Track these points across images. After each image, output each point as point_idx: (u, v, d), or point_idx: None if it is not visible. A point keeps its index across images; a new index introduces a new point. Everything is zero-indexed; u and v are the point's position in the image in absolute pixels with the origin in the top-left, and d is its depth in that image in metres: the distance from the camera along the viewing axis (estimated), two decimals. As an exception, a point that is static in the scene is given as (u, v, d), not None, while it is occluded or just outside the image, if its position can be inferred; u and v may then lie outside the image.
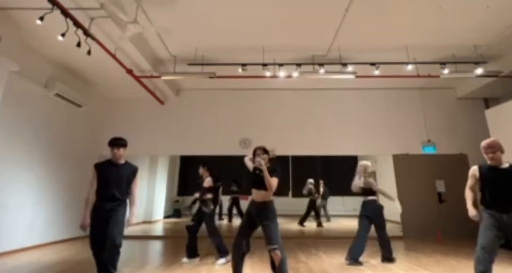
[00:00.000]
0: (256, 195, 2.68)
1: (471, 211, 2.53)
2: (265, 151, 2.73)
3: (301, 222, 8.21)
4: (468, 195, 2.58)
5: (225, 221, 9.22)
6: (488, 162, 2.45)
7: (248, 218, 2.68)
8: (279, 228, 2.63)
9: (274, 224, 2.57)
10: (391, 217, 7.29)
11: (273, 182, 2.56)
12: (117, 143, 2.81)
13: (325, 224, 8.53)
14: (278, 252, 2.46)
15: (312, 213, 8.57)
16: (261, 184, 2.59)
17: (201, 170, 4.49)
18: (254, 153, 2.73)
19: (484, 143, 2.46)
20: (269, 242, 2.49)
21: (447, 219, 5.92)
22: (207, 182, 4.29)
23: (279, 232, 2.59)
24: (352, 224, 8.93)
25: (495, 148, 2.39)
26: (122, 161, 2.87)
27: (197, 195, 4.26)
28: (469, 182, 2.59)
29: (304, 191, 8.59)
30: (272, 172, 2.59)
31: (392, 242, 3.95)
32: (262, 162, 2.55)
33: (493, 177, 2.41)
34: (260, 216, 2.61)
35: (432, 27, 4.62)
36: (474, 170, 2.55)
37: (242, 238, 2.63)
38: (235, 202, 9.05)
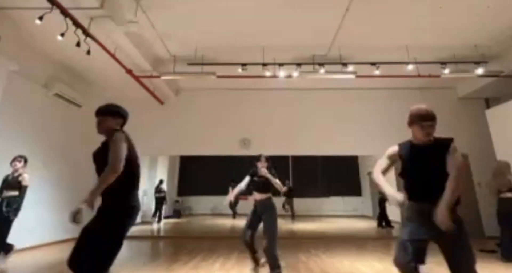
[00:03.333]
0: (259, 196, 3.23)
1: (392, 192, 1.79)
2: (267, 159, 3.28)
3: (381, 224, 7.85)
4: (381, 178, 1.90)
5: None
6: (419, 135, 1.76)
7: (254, 214, 3.23)
8: (277, 225, 3.11)
9: (272, 218, 3.10)
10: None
11: (279, 182, 3.16)
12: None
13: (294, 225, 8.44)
14: (264, 241, 2.99)
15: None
16: (262, 188, 3.19)
17: (18, 165, 3.76)
18: (258, 160, 3.27)
19: (422, 109, 1.77)
20: (264, 232, 3.05)
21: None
22: (24, 179, 3.73)
23: (276, 227, 3.08)
24: (352, 224, 8.94)
25: (436, 121, 1.75)
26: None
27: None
28: (384, 163, 1.93)
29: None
30: (273, 175, 3.16)
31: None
32: (265, 170, 3.15)
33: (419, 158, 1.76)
34: (264, 211, 3.16)
35: (433, 27, 4.61)
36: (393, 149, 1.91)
37: (247, 228, 3.19)
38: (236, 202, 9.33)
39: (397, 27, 4.62)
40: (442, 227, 1.54)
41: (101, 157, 1.81)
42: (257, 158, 3.31)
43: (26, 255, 4.28)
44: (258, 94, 7.04)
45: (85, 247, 1.67)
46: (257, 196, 3.24)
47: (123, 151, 1.81)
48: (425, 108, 1.78)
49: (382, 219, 7.78)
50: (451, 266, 1.63)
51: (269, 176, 3.11)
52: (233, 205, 9.71)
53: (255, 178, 3.26)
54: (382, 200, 7.67)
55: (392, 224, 7.63)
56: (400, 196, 1.73)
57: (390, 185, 1.84)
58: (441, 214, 1.55)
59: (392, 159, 1.91)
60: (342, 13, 4.21)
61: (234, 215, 10.22)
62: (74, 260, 1.65)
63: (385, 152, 1.91)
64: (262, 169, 3.17)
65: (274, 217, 3.13)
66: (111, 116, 2.00)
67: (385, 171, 1.92)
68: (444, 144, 1.74)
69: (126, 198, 1.82)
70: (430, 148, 1.75)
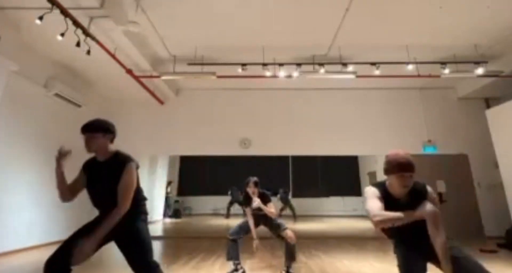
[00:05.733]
0: (260, 213, 3.20)
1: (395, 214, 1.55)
2: (256, 184, 3.18)
3: None
4: (380, 213, 1.59)
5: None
6: (396, 186, 1.64)
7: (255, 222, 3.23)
8: None
9: (275, 219, 3.16)
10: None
11: (272, 209, 3.09)
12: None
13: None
14: (289, 231, 3.00)
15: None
16: (263, 221, 3.21)
17: None
18: (247, 185, 3.18)
19: (402, 157, 1.61)
20: (279, 226, 3.05)
21: (448, 219, 5.89)
22: None
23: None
24: (352, 224, 8.93)
25: (414, 169, 1.60)
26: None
27: None
28: (377, 202, 1.66)
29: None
30: (265, 202, 3.11)
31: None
32: (258, 200, 3.08)
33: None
34: (266, 221, 3.21)
35: (433, 27, 4.61)
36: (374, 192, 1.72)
37: (242, 230, 3.15)
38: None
39: (397, 27, 4.62)
40: None
41: (105, 180, 1.77)
42: (246, 183, 3.21)
43: (26, 255, 4.28)
44: (258, 94, 7.05)
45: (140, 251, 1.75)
46: (259, 213, 3.23)
47: (134, 187, 1.80)
48: (404, 156, 1.61)
49: None
50: None
51: (262, 206, 3.08)
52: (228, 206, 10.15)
53: (254, 211, 3.20)
54: None
55: None
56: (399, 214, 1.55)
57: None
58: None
59: (380, 200, 1.68)
60: (342, 13, 4.21)
61: (228, 215, 10.28)
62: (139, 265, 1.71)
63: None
64: (255, 200, 3.10)
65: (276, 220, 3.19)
66: (102, 133, 1.84)
67: (381, 208, 1.64)
68: (420, 193, 1.66)
69: (138, 217, 1.86)
70: (406, 199, 1.66)
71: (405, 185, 1.60)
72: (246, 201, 3.26)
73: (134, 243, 1.73)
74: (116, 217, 1.66)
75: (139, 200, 1.87)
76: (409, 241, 1.71)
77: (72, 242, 1.65)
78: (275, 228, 3.10)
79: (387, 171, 1.67)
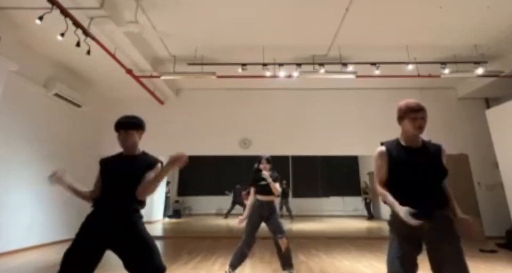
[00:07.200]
0: (265, 198, 3.19)
1: (402, 209, 1.44)
2: (268, 161, 3.22)
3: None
4: (383, 191, 1.59)
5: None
6: (410, 129, 1.62)
7: (258, 217, 3.15)
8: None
9: (277, 216, 3.17)
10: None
11: (278, 187, 3.15)
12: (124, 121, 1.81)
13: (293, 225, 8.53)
14: (285, 240, 3.00)
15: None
16: (267, 191, 3.16)
17: None
18: (259, 162, 3.23)
19: (411, 102, 1.65)
20: (277, 231, 3.03)
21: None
22: None
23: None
24: (353, 224, 8.93)
25: (425, 111, 1.62)
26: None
27: None
28: (379, 171, 1.65)
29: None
30: (275, 180, 3.15)
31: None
32: (267, 174, 3.11)
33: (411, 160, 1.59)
34: (270, 213, 3.16)
35: (433, 27, 4.61)
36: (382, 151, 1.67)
37: (253, 236, 3.09)
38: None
39: (397, 27, 4.62)
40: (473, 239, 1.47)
41: (135, 169, 1.72)
42: (258, 161, 3.24)
43: (25, 255, 4.28)
44: (258, 94, 7.04)
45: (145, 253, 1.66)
46: (263, 197, 3.20)
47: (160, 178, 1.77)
48: (414, 100, 1.67)
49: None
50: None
51: (269, 180, 3.09)
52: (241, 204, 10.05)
53: (261, 182, 3.18)
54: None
55: None
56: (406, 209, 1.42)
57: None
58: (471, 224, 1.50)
59: (384, 161, 1.65)
60: (342, 13, 4.21)
61: (227, 215, 10.28)
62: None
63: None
64: (264, 172, 3.13)
65: (278, 217, 3.20)
66: (137, 129, 1.82)
67: (384, 178, 1.62)
68: (435, 147, 1.67)
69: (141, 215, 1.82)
70: (423, 149, 1.63)
71: (419, 126, 1.60)
72: (255, 175, 3.22)
73: (142, 247, 1.61)
74: (161, 180, 1.69)
75: (143, 203, 1.79)
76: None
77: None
78: (275, 227, 3.07)
79: (400, 117, 1.70)
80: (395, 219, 1.57)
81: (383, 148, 1.70)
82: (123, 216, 1.64)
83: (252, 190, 3.24)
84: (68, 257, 1.51)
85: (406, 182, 1.56)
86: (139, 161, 1.78)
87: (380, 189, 1.60)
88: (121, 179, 1.68)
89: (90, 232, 1.58)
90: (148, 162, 1.77)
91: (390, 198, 1.52)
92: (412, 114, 1.61)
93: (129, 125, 1.78)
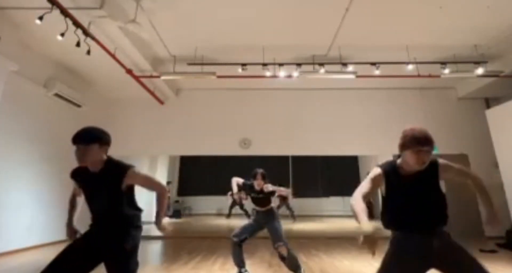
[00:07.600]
0: (261, 209, 3.25)
1: (367, 224, 1.36)
2: (263, 176, 3.23)
3: None
4: (360, 204, 1.49)
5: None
6: (412, 162, 1.48)
7: (256, 223, 3.22)
8: (282, 228, 3.13)
9: (277, 224, 3.12)
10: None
11: (283, 190, 3.27)
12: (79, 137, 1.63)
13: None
14: (282, 248, 2.96)
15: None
16: (263, 203, 3.21)
17: None
18: (255, 177, 3.23)
19: (419, 132, 1.49)
20: (276, 240, 3.01)
21: (448, 220, 5.91)
22: None
23: (282, 231, 3.10)
24: (352, 224, 8.92)
25: (432, 144, 1.46)
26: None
27: None
28: (367, 187, 1.59)
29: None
30: (271, 193, 3.19)
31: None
32: (270, 185, 3.17)
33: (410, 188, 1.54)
34: (267, 221, 3.17)
35: (433, 27, 4.60)
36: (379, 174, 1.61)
37: (245, 231, 3.13)
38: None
39: (397, 27, 4.62)
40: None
41: (104, 194, 1.63)
42: (253, 176, 3.23)
43: (25, 255, 4.28)
44: (258, 94, 7.04)
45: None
46: (257, 208, 3.27)
47: (151, 176, 1.78)
48: (422, 130, 1.50)
49: None
50: None
51: (275, 188, 3.15)
52: (240, 205, 9.95)
53: (254, 195, 3.24)
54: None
55: None
56: (371, 226, 1.33)
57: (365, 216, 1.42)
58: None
59: (376, 184, 1.59)
60: (342, 13, 4.21)
61: (229, 215, 10.29)
62: None
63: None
64: (265, 186, 3.16)
65: (278, 222, 3.16)
66: (98, 143, 1.61)
67: (367, 196, 1.56)
68: (430, 170, 1.53)
69: (138, 222, 1.78)
70: (415, 177, 1.52)
71: (422, 162, 1.44)
72: (248, 189, 3.31)
73: (121, 268, 1.61)
74: (166, 195, 1.76)
75: (136, 209, 1.73)
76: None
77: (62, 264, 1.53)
78: (272, 235, 3.06)
79: (402, 146, 1.53)
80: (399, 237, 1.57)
81: (379, 170, 1.60)
82: (114, 235, 1.63)
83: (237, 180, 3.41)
84: (57, 260, 1.54)
85: (403, 208, 1.55)
86: (105, 178, 1.62)
87: (359, 199, 1.50)
88: (98, 198, 1.65)
89: (82, 245, 1.63)
90: (116, 175, 1.62)
91: (359, 208, 1.43)
92: (417, 147, 1.44)
93: (87, 138, 1.58)
